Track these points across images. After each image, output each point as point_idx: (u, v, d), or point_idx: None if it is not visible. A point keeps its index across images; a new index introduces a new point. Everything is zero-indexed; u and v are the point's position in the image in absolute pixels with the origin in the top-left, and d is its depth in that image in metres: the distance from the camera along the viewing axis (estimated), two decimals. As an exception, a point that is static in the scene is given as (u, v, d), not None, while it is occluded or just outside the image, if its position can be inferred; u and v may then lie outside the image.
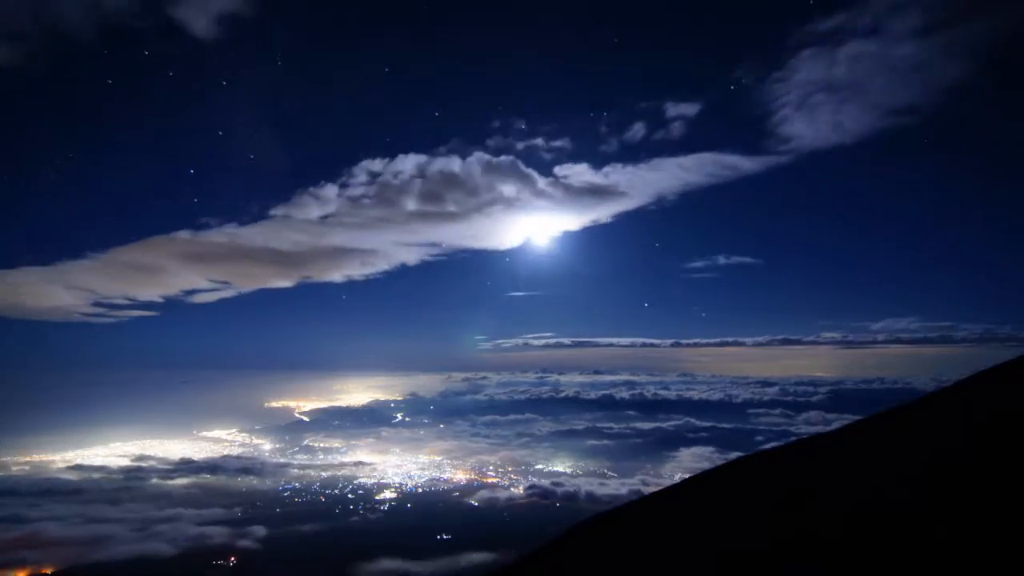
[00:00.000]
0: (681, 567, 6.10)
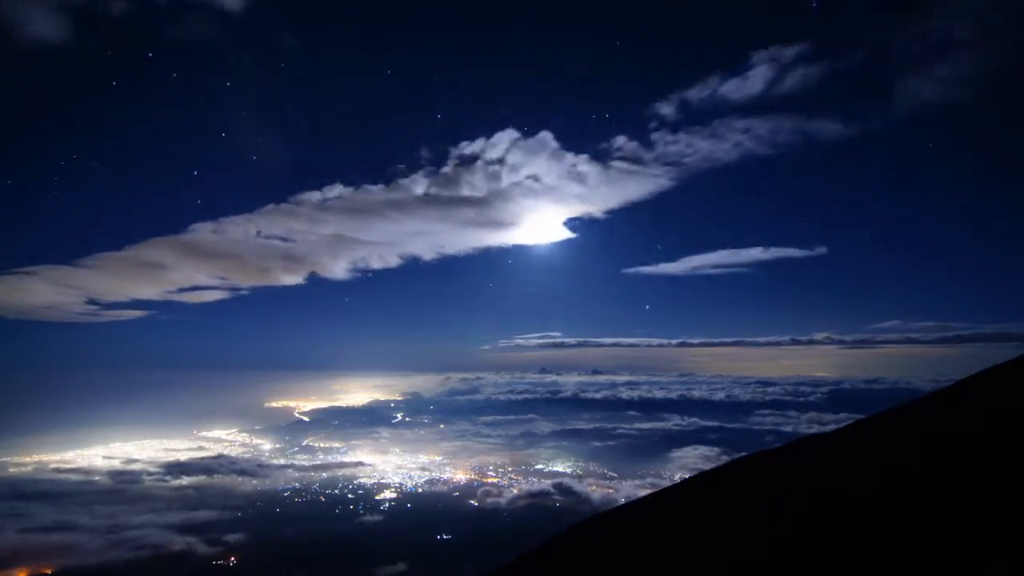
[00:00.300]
0: (681, 567, 6.10)
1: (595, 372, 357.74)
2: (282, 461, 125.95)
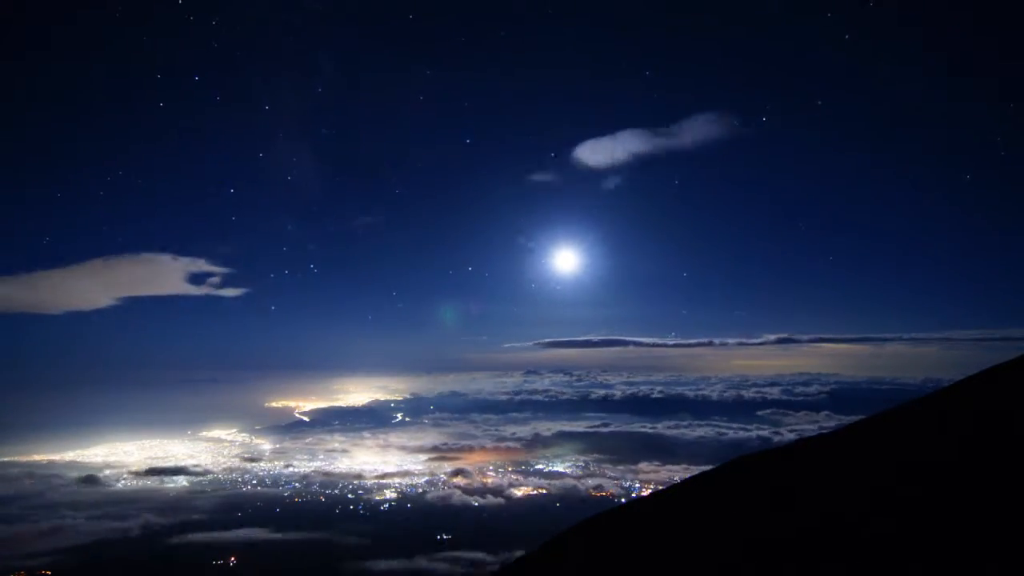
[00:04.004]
0: (681, 567, 6.09)
1: (600, 372, 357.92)
2: (282, 461, 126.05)
